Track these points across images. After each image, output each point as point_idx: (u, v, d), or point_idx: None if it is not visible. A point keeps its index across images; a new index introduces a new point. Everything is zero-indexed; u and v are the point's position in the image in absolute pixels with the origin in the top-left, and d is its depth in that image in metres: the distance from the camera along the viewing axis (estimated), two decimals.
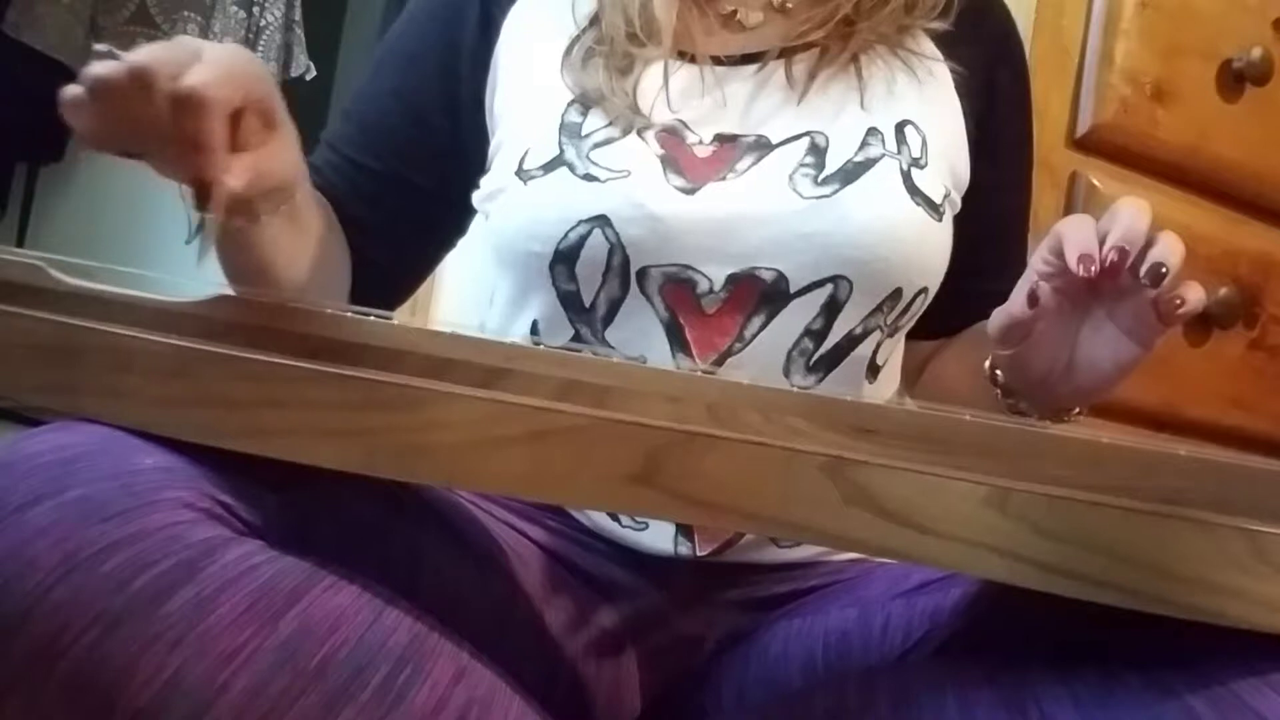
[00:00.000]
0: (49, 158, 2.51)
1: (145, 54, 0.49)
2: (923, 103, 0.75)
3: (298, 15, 2.39)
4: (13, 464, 0.46)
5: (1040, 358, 0.64)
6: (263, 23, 2.35)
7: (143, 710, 0.43)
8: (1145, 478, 0.46)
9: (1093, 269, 0.58)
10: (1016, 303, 0.62)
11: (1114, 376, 0.64)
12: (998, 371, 0.69)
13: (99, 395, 0.48)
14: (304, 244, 0.65)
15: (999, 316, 0.64)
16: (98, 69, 0.49)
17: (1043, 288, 0.61)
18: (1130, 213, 0.59)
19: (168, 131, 0.49)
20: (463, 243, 0.84)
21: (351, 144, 0.78)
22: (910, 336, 0.80)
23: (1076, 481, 0.46)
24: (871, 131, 0.71)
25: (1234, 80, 1.33)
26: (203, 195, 0.50)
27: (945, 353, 0.84)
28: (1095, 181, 1.27)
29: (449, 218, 0.80)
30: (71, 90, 0.49)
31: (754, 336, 0.69)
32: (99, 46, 0.49)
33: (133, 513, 0.45)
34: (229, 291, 0.54)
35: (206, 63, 0.50)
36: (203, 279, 0.53)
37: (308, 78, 2.39)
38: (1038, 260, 0.62)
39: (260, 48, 2.35)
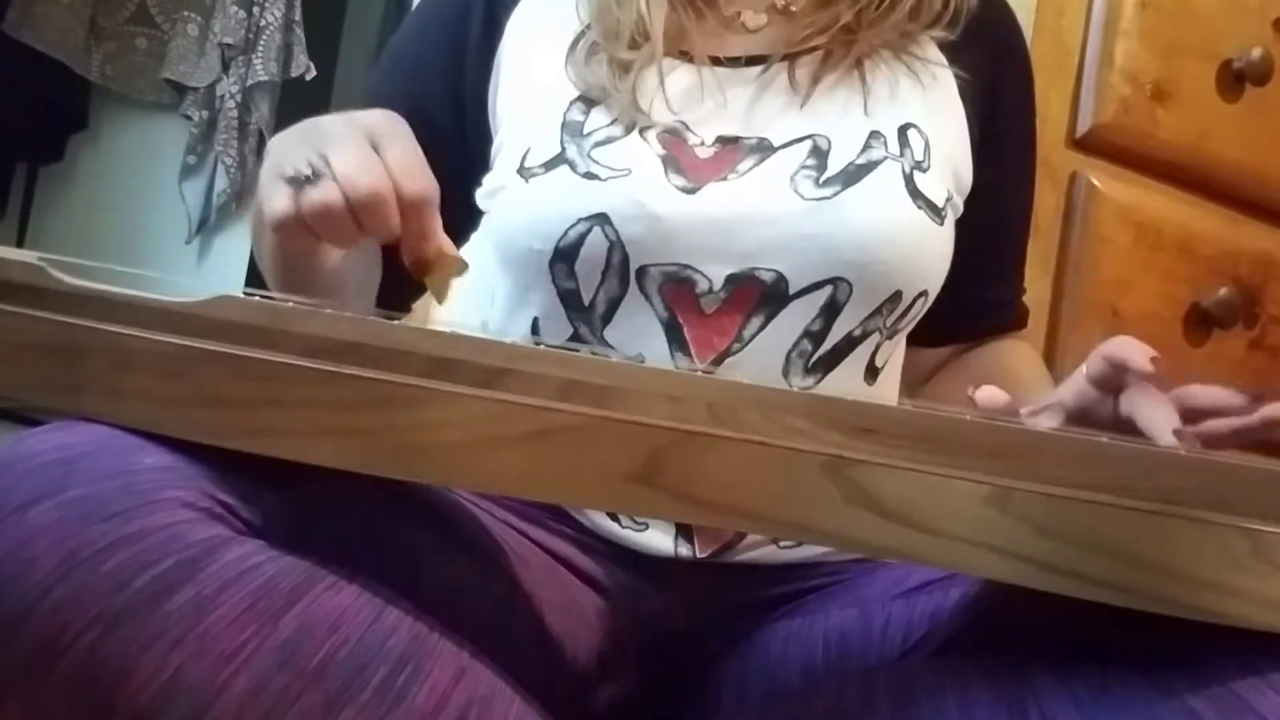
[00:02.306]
0: (49, 158, 2.51)
1: (352, 172, 0.52)
2: (926, 107, 0.75)
3: (298, 15, 2.39)
4: (13, 463, 0.46)
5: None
6: (263, 23, 2.35)
7: (143, 710, 0.43)
8: (1145, 477, 0.46)
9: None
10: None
11: None
12: None
13: (100, 395, 0.48)
14: (356, 264, 0.66)
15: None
16: (324, 204, 0.52)
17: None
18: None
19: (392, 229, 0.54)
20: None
21: None
22: (914, 343, 0.80)
23: (1077, 481, 0.46)
24: (874, 135, 0.71)
25: (1234, 80, 1.33)
26: (424, 268, 0.56)
27: (954, 380, 0.83)
28: (1095, 181, 1.27)
29: (457, 217, 0.80)
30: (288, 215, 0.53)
31: (753, 337, 0.69)
32: (303, 167, 0.53)
33: (133, 512, 0.45)
34: (229, 291, 0.54)
35: (403, 158, 0.54)
36: (203, 279, 0.54)
37: (308, 78, 2.39)
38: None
39: (260, 48, 2.35)
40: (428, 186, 0.54)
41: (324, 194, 0.52)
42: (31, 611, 0.43)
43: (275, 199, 0.54)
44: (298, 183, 0.53)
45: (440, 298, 0.60)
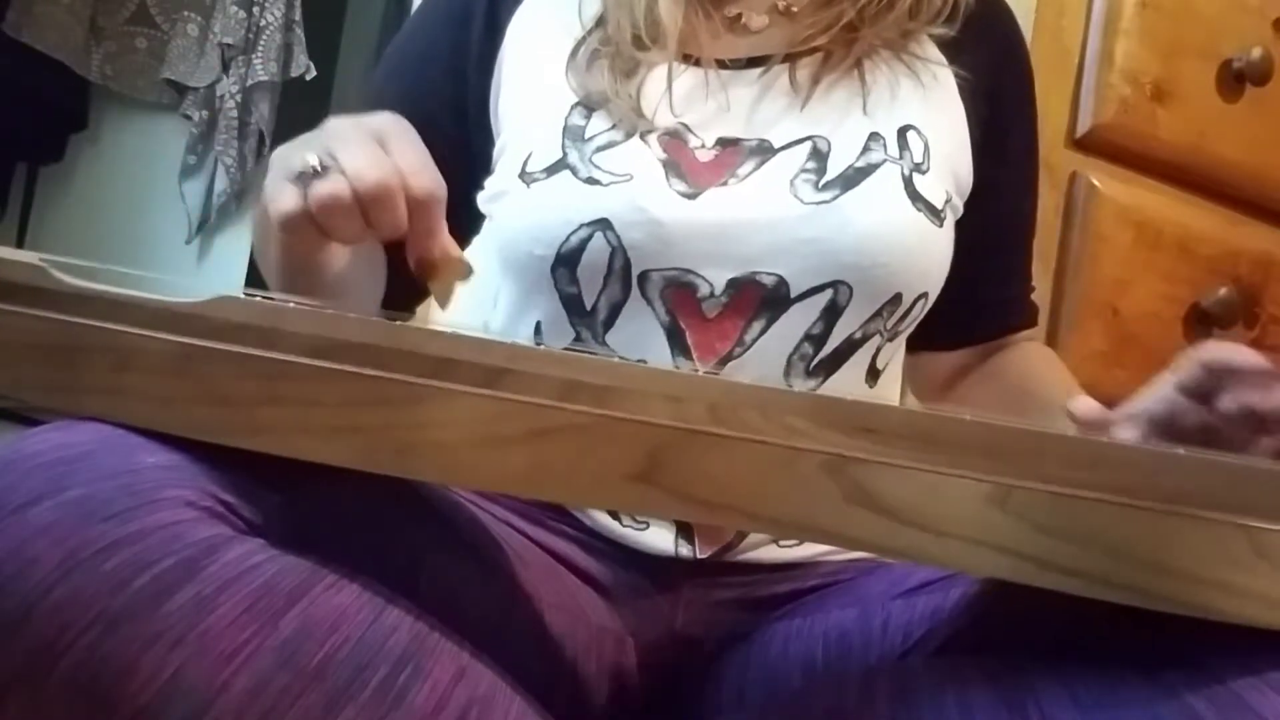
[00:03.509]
0: (49, 158, 2.51)
1: (360, 167, 0.52)
2: (926, 107, 0.75)
3: (298, 15, 2.39)
4: (14, 463, 0.46)
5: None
6: (263, 23, 2.36)
7: (143, 710, 0.43)
8: (1146, 476, 0.46)
9: None
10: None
11: None
12: None
13: (100, 394, 0.48)
14: (361, 269, 0.66)
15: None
16: (329, 204, 0.52)
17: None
18: None
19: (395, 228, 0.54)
20: None
21: None
22: (929, 348, 0.80)
23: (1077, 480, 0.46)
24: (873, 136, 0.71)
25: (1234, 80, 1.33)
26: (429, 270, 0.57)
27: (985, 386, 0.83)
28: (1095, 181, 1.27)
29: (461, 219, 0.80)
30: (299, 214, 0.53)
31: (754, 341, 0.69)
32: (312, 160, 0.53)
33: (134, 512, 0.44)
34: (229, 292, 0.54)
35: (411, 156, 0.54)
36: (203, 279, 0.54)
37: (308, 78, 2.39)
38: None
39: (260, 48, 2.36)
40: (435, 184, 0.55)
41: (332, 186, 0.52)
42: (31, 611, 0.43)
43: (283, 197, 0.54)
44: (305, 178, 0.53)
45: (444, 302, 0.60)
